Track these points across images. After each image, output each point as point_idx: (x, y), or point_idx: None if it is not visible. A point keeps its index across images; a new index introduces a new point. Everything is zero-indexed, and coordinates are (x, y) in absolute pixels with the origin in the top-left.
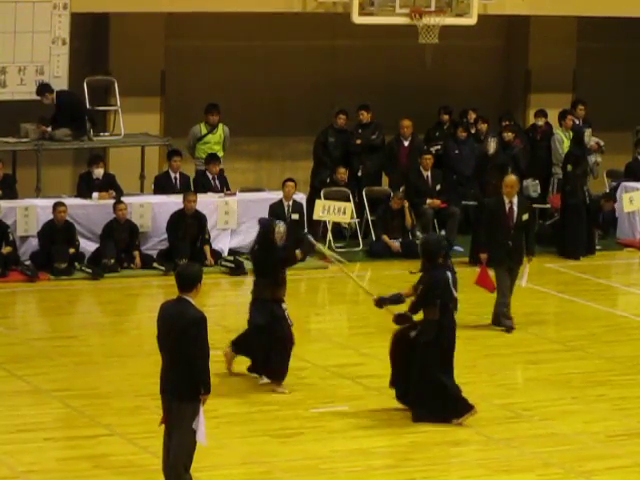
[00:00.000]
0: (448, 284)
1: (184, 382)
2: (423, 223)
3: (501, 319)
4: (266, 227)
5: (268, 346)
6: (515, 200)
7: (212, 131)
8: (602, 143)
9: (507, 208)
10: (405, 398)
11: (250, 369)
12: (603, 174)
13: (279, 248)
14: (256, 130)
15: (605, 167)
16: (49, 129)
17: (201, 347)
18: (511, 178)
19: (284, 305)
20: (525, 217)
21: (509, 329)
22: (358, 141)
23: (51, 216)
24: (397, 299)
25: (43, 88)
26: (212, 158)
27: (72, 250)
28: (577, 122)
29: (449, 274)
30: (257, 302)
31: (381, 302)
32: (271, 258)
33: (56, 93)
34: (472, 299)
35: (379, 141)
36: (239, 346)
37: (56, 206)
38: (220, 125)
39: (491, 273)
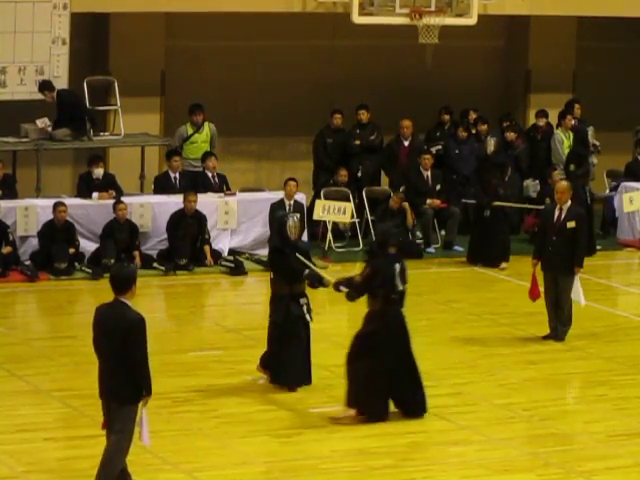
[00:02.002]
0: (393, 275)
1: (125, 385)
2: (423, 223)
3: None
4: (279, 222)
5: (284, 345)
6: (566, 207)
7: (198, 130)
8: (598, 144)
9: (556, 215)
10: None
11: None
12: (603, 174)
13: (293, 243)
14: (256, 130)
15: (605, 167)
16: (49, 128)
17: (142, 350)
18: (562, 184)
19: (302, 300)
20: (571, 225)
21: (558, 338)
22: (357, 142)
23: (51, 216)
24: (350, 282)
25: (44, 85)
26: (207, 155)
27: (72, 250)
28: (574, 122)
29: (397, 266)
30: (275, 298)
31: (337, 285)
32: (285, 254)
33: (57, 92)
34: (472, 299)
35: (378, 141)
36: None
37: (56, 206)
38: (206, 124)
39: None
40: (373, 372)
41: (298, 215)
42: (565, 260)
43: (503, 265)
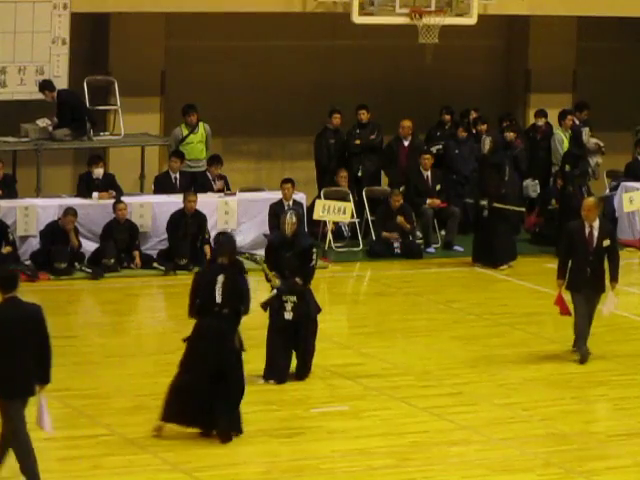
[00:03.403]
0: (211, 285)
1: (33, 377)
2: (423, 223)
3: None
4: (278, 217)
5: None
6: (596, 224)
7: (193, 131)
8: (602, 144)
9: (587, 232)
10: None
11: None
12: (603, 174)
13: (289, 239)
14: (256, 130)
15: (605, 167)
16: (50, 127)
17: (49, 336)
18: (588, 201)
19: (289, 297)
20: (606, 243)
21: (581, 359)
22: (357, 141)
23: (51, 216)
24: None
25: (44, 85)
26: (214, 160)
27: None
28: (576, 123)
29: (220, 277)
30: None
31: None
32: (275, 249)
33: (57, 92)
34: (472, 299)
35: (379, 141)
36: None
37: (66, 213)
38: (201, 124)
39: (567, 297)
40: (176, 380)
41: (298, 211)
42: (601, 279)
43: (504, 267)
